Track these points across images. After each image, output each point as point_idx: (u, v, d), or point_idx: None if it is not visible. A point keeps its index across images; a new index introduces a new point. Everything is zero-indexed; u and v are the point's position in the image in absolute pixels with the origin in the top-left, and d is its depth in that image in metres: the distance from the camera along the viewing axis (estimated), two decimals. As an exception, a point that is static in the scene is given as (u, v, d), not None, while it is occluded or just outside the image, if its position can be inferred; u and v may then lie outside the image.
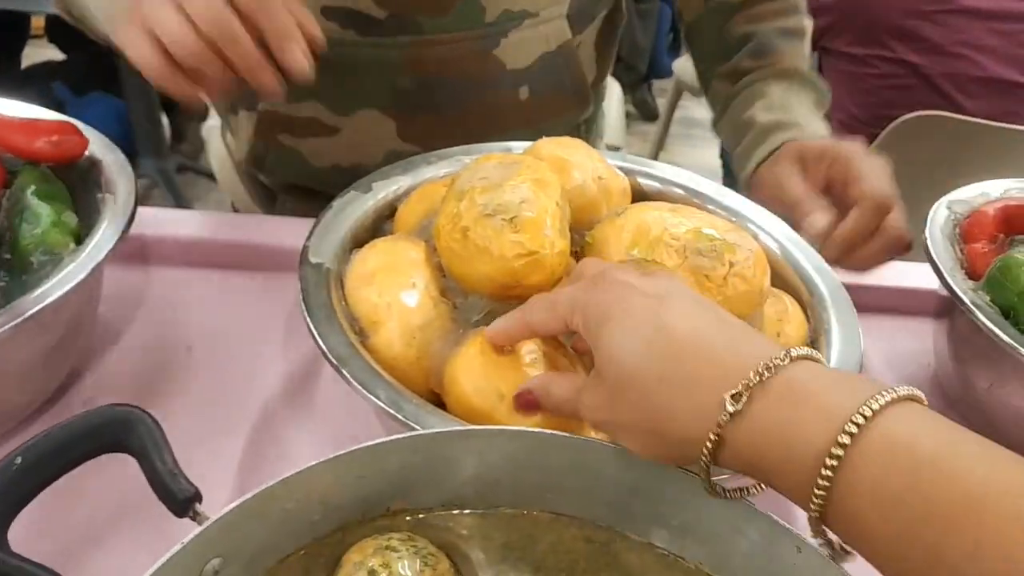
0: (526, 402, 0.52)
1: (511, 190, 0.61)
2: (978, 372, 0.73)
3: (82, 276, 0.60)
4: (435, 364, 0.60)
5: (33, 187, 0.68)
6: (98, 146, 0.75)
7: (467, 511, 0.50)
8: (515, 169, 0.63)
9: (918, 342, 0.88)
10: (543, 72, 0.92)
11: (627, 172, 0.78)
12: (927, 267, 0.76)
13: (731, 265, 0.60)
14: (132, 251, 0.84)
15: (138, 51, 0.61)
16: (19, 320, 0.56)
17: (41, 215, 0.66)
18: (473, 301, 0.62)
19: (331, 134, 0.91)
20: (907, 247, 0.81)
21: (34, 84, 2.57)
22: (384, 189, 0.75)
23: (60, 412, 0.69)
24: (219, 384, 0.74)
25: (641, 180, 0.81)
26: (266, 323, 0.80)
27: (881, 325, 0.91)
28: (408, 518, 0.49)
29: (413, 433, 0.46)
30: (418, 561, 0.45)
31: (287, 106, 0.90)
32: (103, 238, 0.65)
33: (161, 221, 0.86)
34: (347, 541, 0.47)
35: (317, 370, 0.76)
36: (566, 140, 0.74)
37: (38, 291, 0.59)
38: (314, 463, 0.44)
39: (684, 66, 2.70)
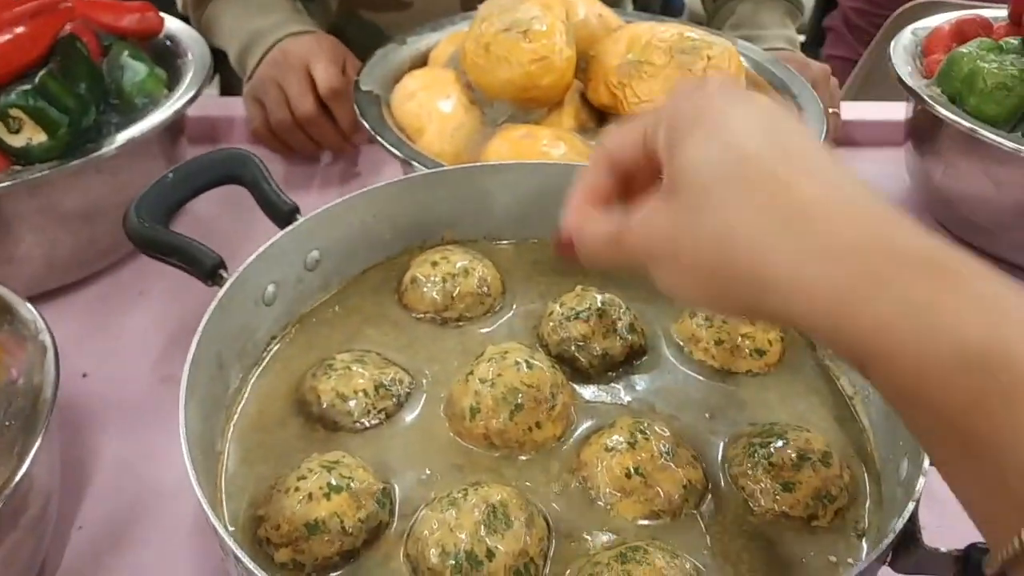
0: (563, 248, 0.42)
1: (524, 11, 0.74)
2: (935, 161, 0.85)
3: (180, 105, 0.74)
4: (472, 157, 0.73)
5: (127, 52, 0.82)
6: (173, 25, 0.89)
7: (504, 241, 0.64)
8: (526, -1, 0.76)
9: (894, 166, 1.00)
10: None
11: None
12: (900, 104, 0.88)
13: (708, 59, 0.73)
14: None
15: (251, 114, 0.94)
16: (147, 132, 0.70)
17: (139, 69, 0.79)
18: (498, 106, 0.75)
19: (403, 9, 1.06)
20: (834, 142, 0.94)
21: None
22: (418, 42, 0.89)
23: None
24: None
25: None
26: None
27: (861, 155, 1.03)
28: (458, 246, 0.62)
29: (459, 166, 0.60)
30: (468, 256, 0.58)
31: None
32: (190, 83, 0.79)
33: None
34: (412, 261, 0.60)
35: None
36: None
37: (145, 122, 0.73)
38: (382, 183, 0.57)
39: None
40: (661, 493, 0.44)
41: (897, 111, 0.95)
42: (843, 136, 1.02)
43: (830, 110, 0.91)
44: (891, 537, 0.37)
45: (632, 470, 0.45)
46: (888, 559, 0.40)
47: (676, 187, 0.35)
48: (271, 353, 0.54)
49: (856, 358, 0.30)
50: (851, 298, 0.30)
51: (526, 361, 0.48)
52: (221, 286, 0.50)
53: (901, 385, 0.29)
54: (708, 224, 0.33)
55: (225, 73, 1.22)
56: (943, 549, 0.38)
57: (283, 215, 0.55)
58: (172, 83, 0.81)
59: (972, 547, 0.38)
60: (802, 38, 2.61)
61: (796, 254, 0.31)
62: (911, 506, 0.38)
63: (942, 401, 0.28)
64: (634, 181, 0.39)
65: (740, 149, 0.33)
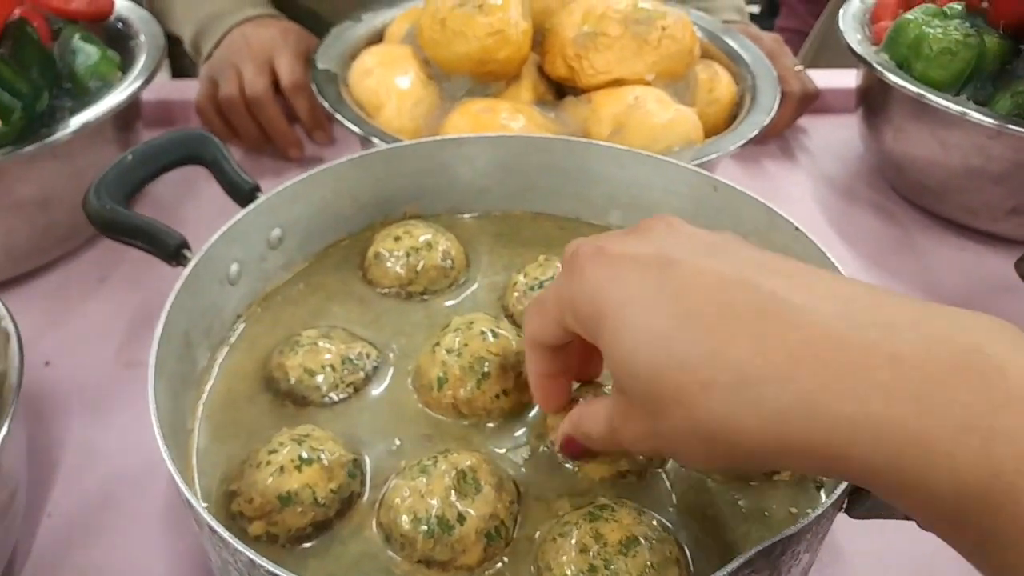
0: (571, 451, 0.42)
1: (479, -15, 0.74)
2: (886, 126, 0.87)
3: (135, 88, 0.74)
4: (432, 132, 0.73)
5: (78, 35, 0.81)
6: (123, 7, 0.88)
7: (467, 215, 0.64)
8: (481, -28, 0.76)
9: (848, 132, 1.02)
10: None
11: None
12: (852, 71, 0.90)
13: (663, 29, 0.74)
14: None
15: (200, 90, 0.90)
16: (101, 115, 0.69)
17: (91, 52, 0.78)
18: (457, 81, 0.75)
19: None
20: (814, 96, 0.97)
21: None
22: (374, 20, 0.88)
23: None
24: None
25: None
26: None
27: (816, 122, 1.05)
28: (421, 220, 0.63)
29: (417, 140, 0.60)
30: (432, 230, 0.59)
31: None
32: (144, 65, 0.78)
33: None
34: (375, 237, 0.60)
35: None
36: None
37: (100, 105, 0.72)
38: (342, 159, 0.58)
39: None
40: (627, 453, 0.45)
41: (849, 78, 0.97)
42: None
43: (796, 68, 0.93)
44: (845, 485, 0.39)
45: (598, 432, 0.46)
46: (844, 506, 0.42)
47: (624, 388, 0.33)
48: (237, 332, 0.54)
49: (872, 488, 0.29)
50: (833, 449, 0.27)
51: (491, 330, 0.49)
52: (185, 266, 0.50)
53: (917, 516, 0.28)
54: (681, 416, 0.30)
55: (176, 59, 1.20)
56: (895, 493, 0.40)
57: (244, 194, 0.55)
58: (125, 66, 0.80)
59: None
60: (756, 9, 2.64)
61: (753, 420, 0.28)
62: (864, 454, 0.39)
63: (953, 538, 0.28)
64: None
65: (668, 329, 0.30)
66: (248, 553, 0.34)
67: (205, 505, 0.44)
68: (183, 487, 0.37)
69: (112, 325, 0.74)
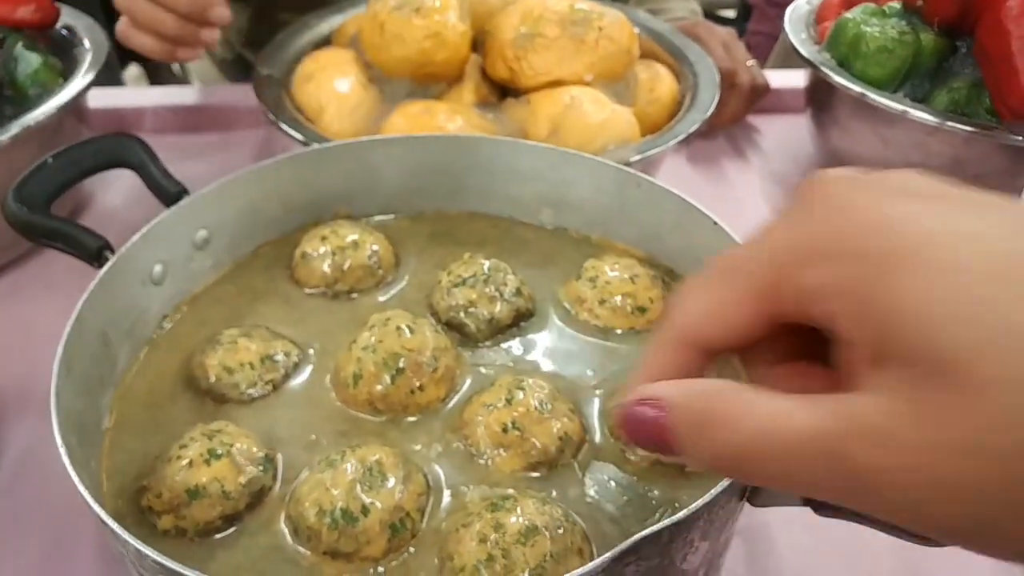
0: (638, 424, 0.27)
1: (417, -11, 0.74)
2: (831, 124, 0.88)
3: (74, 93, 0.74)
4: (372, 135, 0.74)
5: (21, 43, 0.81)
6: (69, 15, 0.88)
7: (402, 215, 0.65)
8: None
9: (801, 131, 1.03)
10: None
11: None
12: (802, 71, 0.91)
13: (600, 29, 0.74)
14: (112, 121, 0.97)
15: None
16: (40, 120, 0.69)
17: (32, 60, 0.79)
18: (398, 84, 0.76)
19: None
20: (764, 90, 0.97)
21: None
22: (321, 25, 0.89)
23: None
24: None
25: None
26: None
27: (771, 122, 1.06)
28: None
29: (344, 141, 0.60)
30: (359, 230, 0.59)
31: None
32: (85, 72, 0.78)
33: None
34: (303, 237, 0.61)
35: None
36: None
37: (37, 110, 0.72)
38: (268, 161, 0.58)
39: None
40: (538, 445, 0.46)
41: (802, 78, 0.98)
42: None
43: (748, 62, 0.94)
44: (737, 469, 0.39)
45: (509, 424, 0.46)
46: (747, 495, 0.42)
47: (911, 357, 0.21)
48: (163, 332, 0.55)
49: None
50: None
51: (407, 326, 0.49)
52: (106, 267, 0.50)
53: None
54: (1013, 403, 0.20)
55: (150, 64, 1.20)
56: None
57: (171, 196, 0.56)
58: (69, 72, 0.80)
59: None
60: (731, 13, 2.66)
61: None
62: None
63: None
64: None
65: (987, 275, 0.21)
66: (135, 543, 0.34)
67: (98, 500, 0.44)
68: (76, 480, 0.37)
69: (58, 331, 0.73)
